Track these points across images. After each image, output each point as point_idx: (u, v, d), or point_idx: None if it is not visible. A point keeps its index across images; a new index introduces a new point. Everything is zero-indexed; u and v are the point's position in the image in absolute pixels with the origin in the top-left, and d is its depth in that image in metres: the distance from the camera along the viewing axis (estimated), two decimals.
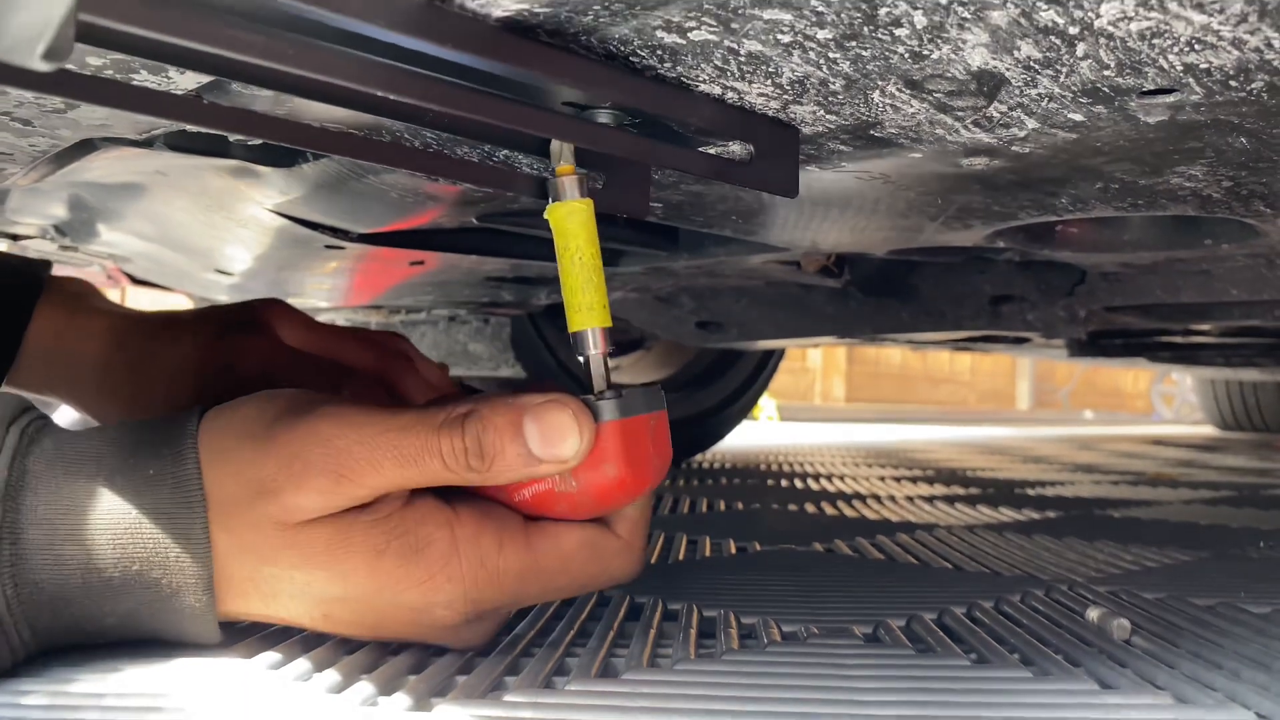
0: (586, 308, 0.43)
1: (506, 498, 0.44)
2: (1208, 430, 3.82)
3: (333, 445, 0.41)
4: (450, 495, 0.44)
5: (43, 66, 0.23)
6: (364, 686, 0.42)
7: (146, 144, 0.53)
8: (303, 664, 0.45)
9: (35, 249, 0.93)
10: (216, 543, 0.42)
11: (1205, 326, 1.25)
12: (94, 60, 0.36)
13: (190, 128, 0.50)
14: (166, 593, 0.42)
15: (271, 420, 0.42)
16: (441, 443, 0.41)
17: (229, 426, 0.43)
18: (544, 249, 0.80)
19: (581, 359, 0.43)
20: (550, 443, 0.41)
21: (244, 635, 0.49)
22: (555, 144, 0.42)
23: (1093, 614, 0.58)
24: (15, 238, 0.89)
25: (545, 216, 0.43)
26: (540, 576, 0.45)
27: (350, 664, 0.45)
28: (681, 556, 0.79)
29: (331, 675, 0.43)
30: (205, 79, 0.37)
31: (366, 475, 0.41)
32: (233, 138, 0.53)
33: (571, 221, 0.42)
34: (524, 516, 0.45)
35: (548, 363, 1.51)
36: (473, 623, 0.45)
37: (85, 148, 0.52)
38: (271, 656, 0.46)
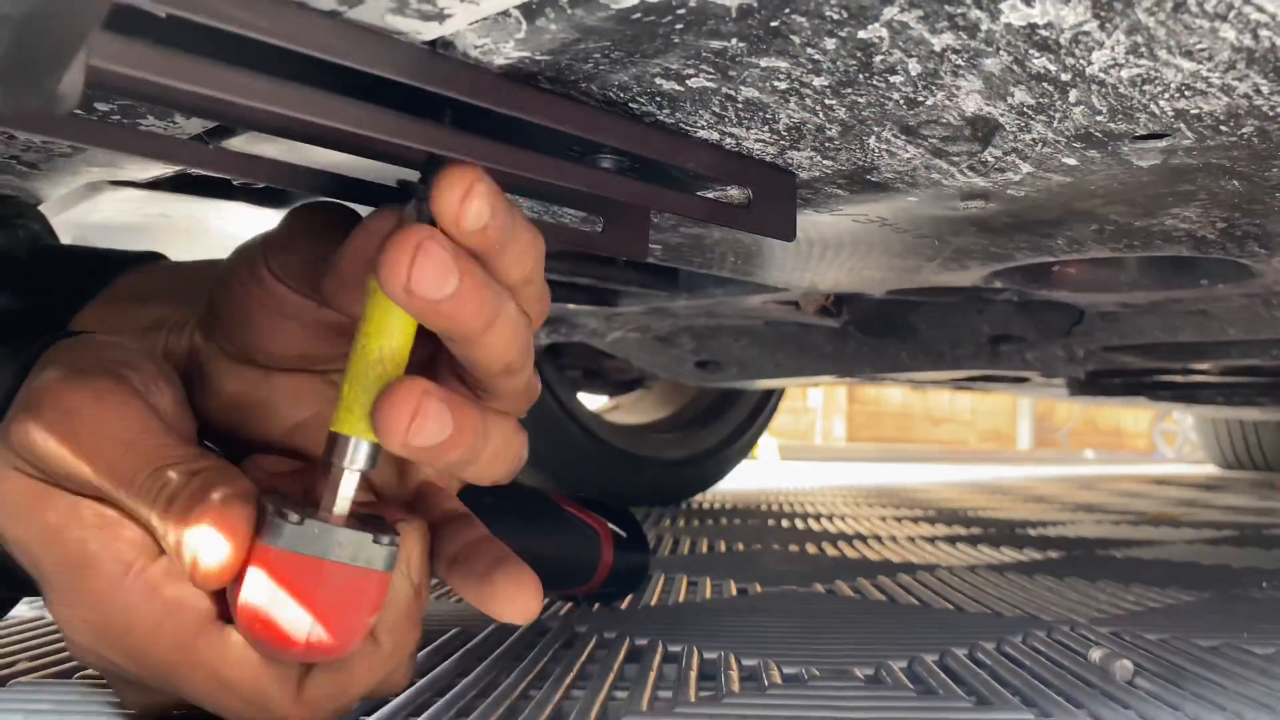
0: (361, 409, 0.33)
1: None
2: (1209, 469, 3.81)
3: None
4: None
5: (53, 112, 0.24)
6: None
7: (152, 187, 0.53)
8: None
9: None
10: None
11: (1204, 366, 1.26)
12: (102, 105, 0.37)
13: (195, 171, 0.51)
14: None
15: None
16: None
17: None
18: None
19: (329, 468, 0.34)
20: (189, 548, 0.33)
21: None
22: (410, 208, 0.34)
23: (1095, 655, 0.58)
24: None
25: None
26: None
27: None
28: (682, 598, 0.79)
29: None
30: (211, 124, 0.37)
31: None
32: (236, 181, 0.54)
33: (390, 313, 0.33)
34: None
35: (548, 403, 1.51)
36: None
37: (90, 190, 0.53)
38: None
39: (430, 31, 0.29)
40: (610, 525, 0.67)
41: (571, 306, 0.87)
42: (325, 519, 0.34)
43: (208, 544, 0.33)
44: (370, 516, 0.36)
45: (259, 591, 0.33)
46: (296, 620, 0.33)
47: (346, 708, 0.38)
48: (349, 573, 0.33)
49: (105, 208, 0.57)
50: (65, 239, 0.75)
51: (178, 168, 0.48)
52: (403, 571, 0.37)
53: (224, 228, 0.63)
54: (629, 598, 0.76)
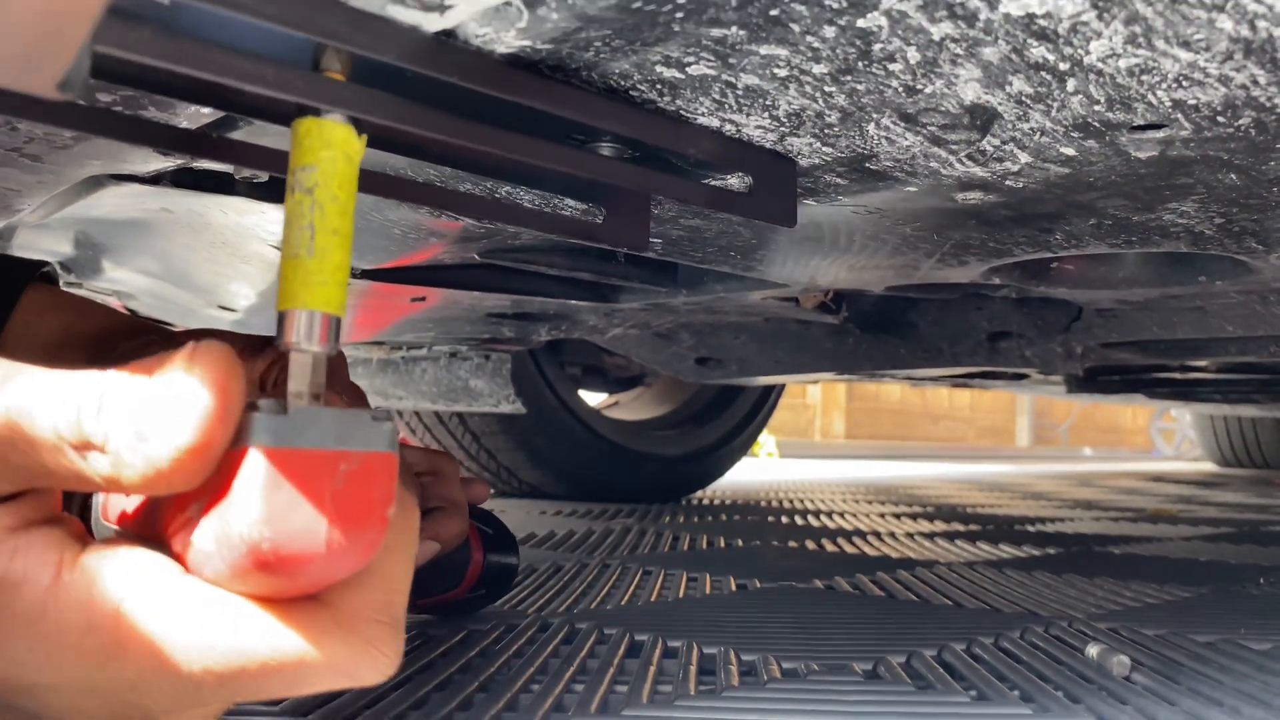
0: (314, 279, 0.28)
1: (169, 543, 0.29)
2: (1207, 466, 3.82)
3: None
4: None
5: (58, 96, 0.24)
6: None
7: (153, 181, 0.53)
8: None
9: None
10: None
11: (1202, 362, 1.26)
12: (104, 96, 0.37)
13: (196, 165, 0.51)
14: None
15: None
16: None
17: None
18: (546, 285, 0.81)
19: (284, 348, 0.28)
20: (127, 424, 0.25)
21: None
22: (330, 52, 0.29)
23: (1093, 651, 0.58)
24: None
25: (293, 130, 0.29)
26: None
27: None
28: (682, 594, 0.79)
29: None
30: (216, 114, 0.38)
31: None
32: (238, 176, 0.54)
33: (329, 149, 0.28)
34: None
35: (548, 399, 1.51)
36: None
37: (93, 184, 0.53)
38: None
39: (432, 24, 0.29)
40: (475, 523, 0.63)
41: (571, 302, 0.87)
42: (300, 410, 0.27)
43: (183, 401, 0.24)
44: None
45: (249, 508, 0.26)
46: (307, 531, 0.26)
47: (398, 621, 0.30)
48: (357, 460, 0.27)
49: (107, 202, 0.57)
50: (66, 235, 0.75)
51: (180, 161, 0.48)
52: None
53: (225, 222, 0.63)
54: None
